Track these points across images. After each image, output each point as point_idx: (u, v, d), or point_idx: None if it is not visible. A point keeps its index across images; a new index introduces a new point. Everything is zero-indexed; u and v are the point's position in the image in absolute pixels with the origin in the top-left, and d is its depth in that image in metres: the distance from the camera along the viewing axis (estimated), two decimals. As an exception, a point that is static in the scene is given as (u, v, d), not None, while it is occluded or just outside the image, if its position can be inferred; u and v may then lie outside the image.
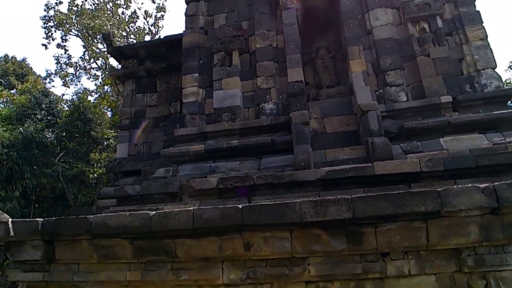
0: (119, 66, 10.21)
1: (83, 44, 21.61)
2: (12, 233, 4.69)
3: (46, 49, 23.24)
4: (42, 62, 48.61)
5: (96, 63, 21.55)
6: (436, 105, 6.17)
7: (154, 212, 4.37)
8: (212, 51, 7.37)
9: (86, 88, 22.77)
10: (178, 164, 6.67)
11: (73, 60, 22.65)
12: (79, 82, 51.30)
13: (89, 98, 22.87)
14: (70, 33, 21.51)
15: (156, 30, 23.39)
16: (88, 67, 23.09)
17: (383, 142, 5.40)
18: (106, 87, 24.53)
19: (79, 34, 21.45)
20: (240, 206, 4.19)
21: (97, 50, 21.71)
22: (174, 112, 9.13)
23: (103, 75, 23.48)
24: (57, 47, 21.65)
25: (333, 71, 7.42)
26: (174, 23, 46.50)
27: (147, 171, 8.24)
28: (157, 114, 9.24)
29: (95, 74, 23.85)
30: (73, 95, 27.50)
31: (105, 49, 21.57)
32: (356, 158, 6.03)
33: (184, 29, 7.88)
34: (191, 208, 4.28)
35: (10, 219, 4.79)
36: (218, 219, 4.15)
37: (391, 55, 6.63)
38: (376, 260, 3.98)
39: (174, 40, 9.46)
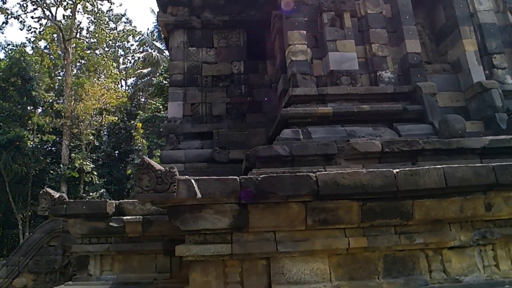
0: (162, 13, 8.74)
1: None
2: (199, 195, 3.68)
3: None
4: None
5: (43, 12, 18.15)
6: (536, 90, 6.77)
7: (398, 170, 3.93)
8: (322, 9, 6.82)
9: (23, 43, 19.06)
10: (299, 126, 6.06)
11: (7, 5, 18.80)
12: (3, 33, 42.63)
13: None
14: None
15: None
16: (23, 16, 19.38)
17: (529, 118, 5.73)
18: (41, 43, 20.91)
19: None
20: (491, 165, 4.04)
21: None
22: (237, 72, 8.24)
23: (42, 28, 19.93)
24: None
25: (429, 48, 7.53)
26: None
27: (221, 133, 7.34)
28: (217, 72, 8.24)
29: (30, 26, 20.18)
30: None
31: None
32: (477, 131, 6.29)
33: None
34: (440, 166, 3.96)
35: (192, 178, 3.76)
36: (472, 178, 3.94)
37: (496, 40, 7.02)
38: None
39: (236, -7, 8.52)
